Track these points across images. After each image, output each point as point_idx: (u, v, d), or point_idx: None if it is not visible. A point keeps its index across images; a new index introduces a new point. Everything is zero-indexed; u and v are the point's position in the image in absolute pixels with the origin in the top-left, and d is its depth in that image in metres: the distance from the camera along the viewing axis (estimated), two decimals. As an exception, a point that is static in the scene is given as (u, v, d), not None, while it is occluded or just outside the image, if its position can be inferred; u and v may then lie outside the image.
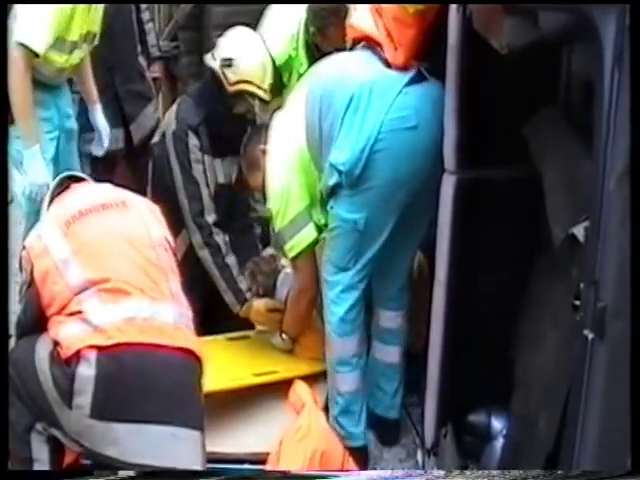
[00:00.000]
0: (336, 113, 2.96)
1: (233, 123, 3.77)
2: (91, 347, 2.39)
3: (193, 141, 3.70)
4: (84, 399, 2.37)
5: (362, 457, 3.17)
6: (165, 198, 3.50)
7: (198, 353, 2.59)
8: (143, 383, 2.41)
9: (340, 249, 3.11)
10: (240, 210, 3.99)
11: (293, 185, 3.31)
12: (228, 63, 3.68)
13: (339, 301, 3.14)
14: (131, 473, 2.59)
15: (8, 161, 3.42)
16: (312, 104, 3.11)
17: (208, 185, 3.73)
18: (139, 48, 4.75)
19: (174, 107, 3.87)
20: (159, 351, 2.47)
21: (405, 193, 2.97)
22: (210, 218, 3.70)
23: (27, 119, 3.64)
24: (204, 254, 3.69)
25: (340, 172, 2.94)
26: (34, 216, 3.50)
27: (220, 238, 3.70)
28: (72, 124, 4.14)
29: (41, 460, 2.54)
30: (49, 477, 2.62)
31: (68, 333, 2.45)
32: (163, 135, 3.79)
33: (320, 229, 3.35)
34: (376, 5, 2.94)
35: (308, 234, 3.35)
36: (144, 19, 4.81)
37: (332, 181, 2.99)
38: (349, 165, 2.91)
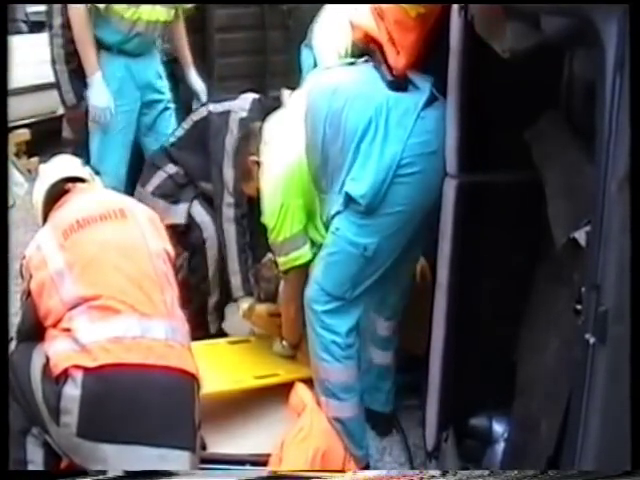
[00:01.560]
0: (348, 139, 2.87)
1: None
2: (77, 367, 2.39)
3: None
4: (70, 418, 2.37)
5: None
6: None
7: (191, 370, 2.55)
8: (129, 404, 2.39)
9: (337, 277, 2.99)
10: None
11: (290, 207, 3.23)
12: None
13: (336, 328, 3.03)
14: (120, 472, 2.58)
15: (8, 164, 3.45)
16: (314, 124, 3.01)
17: None
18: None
19: (250, 97, 3.93)
20: (147, 371, 2.44)
21: (420, 218, 2.90)
22: (244, 201, 3.76)
23: (86, 52, 4.26)
24: (230, 229, 3.75)
25: (359, 204, 2.85)
26: (100, 135, 4.34)
27: (245, 222, 3.77)
28: (155, 95, 4.54)
29: (36, 462, 2.55)
30: (46, 477, 2.63)
31: (56, 350, 2.45)
32: (228, 113, 3.86)
33: (317, 247, 3.28)
34: (378, 9, 2.94)
35: (303, 254, 3.30)
36: None
37: (337, 209, 2.93)
38: (369, 198, 2.83)
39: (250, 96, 3.98)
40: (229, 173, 3.77)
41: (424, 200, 2.85)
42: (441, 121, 2.77)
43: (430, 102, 2.85)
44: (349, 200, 2.89)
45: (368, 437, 3.27)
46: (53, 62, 4.47)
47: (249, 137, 3.58)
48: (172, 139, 4.11)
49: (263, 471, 2.89)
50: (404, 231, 2.91)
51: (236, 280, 3.75)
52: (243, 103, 3.92)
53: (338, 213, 2.95)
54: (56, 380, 2.40)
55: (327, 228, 3.11)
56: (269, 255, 3.98)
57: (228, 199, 3.77)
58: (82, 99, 4.38)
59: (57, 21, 4.39)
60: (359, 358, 3.14)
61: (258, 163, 3.43)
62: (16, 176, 4.31)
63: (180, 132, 4.10)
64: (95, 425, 2.38)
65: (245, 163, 3.55)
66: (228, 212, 3.77)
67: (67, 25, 4.36)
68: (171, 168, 3.99)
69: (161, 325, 2.54)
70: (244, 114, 3.83)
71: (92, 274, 2.57)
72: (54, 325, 2.52)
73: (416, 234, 2.96)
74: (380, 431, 3.42)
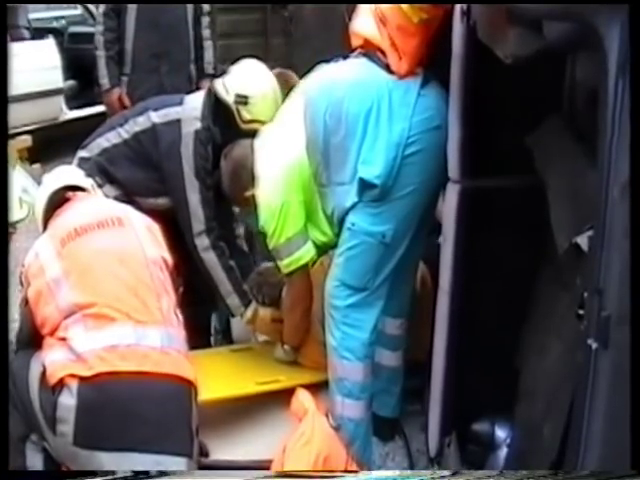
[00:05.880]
0: (351, 126, 2.89)
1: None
2: (73, 376, 2.39)
3: (210, 152, 3.61)
4: (67, 427, 2.38)
5: None
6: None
7: (187, 377, 2.55)
8: (125, 412, 2.40)
9: (359, 268, 3.00)
10: (225, 217, 3.90)
11: (291, 204, 3.20)
12: (244, 101, 3.61)
13: (360, 324, 3.05)
14: (129, 473, 2.59)
15: (8, 166, 3.45)
16: (314, 117, 3.03)
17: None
18: (192, 55, 5.14)
19: (198, 103, 3.69)
20: (142, 379, 2.45)
21: (429, 198, 2.93)
22: (215, 224, 3.65)
23: None
24: (210, 256, 3.62)
25: (374, 185, 2.87)
26: None
27: (222, 243, 3.67)
28: None
29: (36, 468, 2.56)
30: (49, 477, 2.63)
31: (53, 359, 2.46)
32: (178, 123, 3.61)
33: (318, 247, 3.30)
34: (380, 14, 2.94)
35: (306, 252, 3.29)
36: (204, 36, 5.24)
37: (352, 201, 2.93)
38: (384, 177, 2.86)
39: (197, 98, 3.71)
40: (194, 198, 3.57)
41: (433, 177, 2.88)
42: (441, 97, 2.83)
43: (427, 82, 2.91)
44: (364, 186, 2.90)
45: (371, 442, 3.26)
46: (95, 48, 4.74)
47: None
48: (105, 143, 3.70)
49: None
50: (416, 212, 2.95)
51: (233, 300, 3.67)
52: (192, 110, 3.64)
53: (353, 206, 2.95)
54: (52, 390, 2.42)
55: (331, 221, 3.13)
56: (267, 263, 3.96)
57: (198, 227, 3.59)
58: (116, 83, 4.64)
59: (99, 9, 4.74)
60: (373, 359, 3.16)
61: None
62: (27, 184, 4.27)
63: (116, 139, 3.69)
64: (91, 434, 2.39)
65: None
66: (202, 241, 3.60)
67: (108, 14, 4.67)
68: (109, 190, 3.58)
69: (156, 332, 2.54)
70: (198, 124, 3.59)
71: (88, 281, 2.58)
72: (51, 333, 2.53)
73: (424, 216, 2.99)
74: (383, 436, 3.43)
